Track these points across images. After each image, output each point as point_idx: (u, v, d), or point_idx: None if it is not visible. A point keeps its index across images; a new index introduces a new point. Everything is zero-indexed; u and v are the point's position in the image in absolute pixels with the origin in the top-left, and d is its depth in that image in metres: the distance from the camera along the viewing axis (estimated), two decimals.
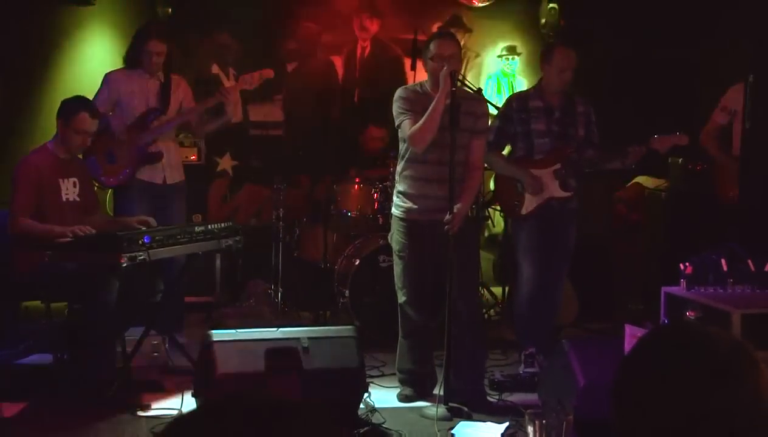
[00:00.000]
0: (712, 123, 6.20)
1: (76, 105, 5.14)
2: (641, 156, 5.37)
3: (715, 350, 1.52)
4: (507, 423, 4.46)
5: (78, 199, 5.26)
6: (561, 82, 5.43)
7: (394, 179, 5.49)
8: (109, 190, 6.02)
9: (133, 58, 5.93)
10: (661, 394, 1.50)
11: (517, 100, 5.57)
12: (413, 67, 6.52)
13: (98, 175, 5.77)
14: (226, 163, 8.04)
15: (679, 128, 5.40)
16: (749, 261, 4.23)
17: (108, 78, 5.93)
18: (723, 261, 4.20)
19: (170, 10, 7.41)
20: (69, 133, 5.11)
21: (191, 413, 1.34)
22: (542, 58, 5.54)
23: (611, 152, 5.45)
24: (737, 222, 5.61)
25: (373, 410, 4.70)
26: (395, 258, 5.07)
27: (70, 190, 5.21)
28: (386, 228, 5.96)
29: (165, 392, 5.05)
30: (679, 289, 4.26)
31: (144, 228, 5.04)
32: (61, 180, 5.16)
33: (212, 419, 1.29)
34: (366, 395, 4.67)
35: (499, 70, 8.37)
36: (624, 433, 1.54)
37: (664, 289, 4.35)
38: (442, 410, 4.63)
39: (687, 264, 4.21)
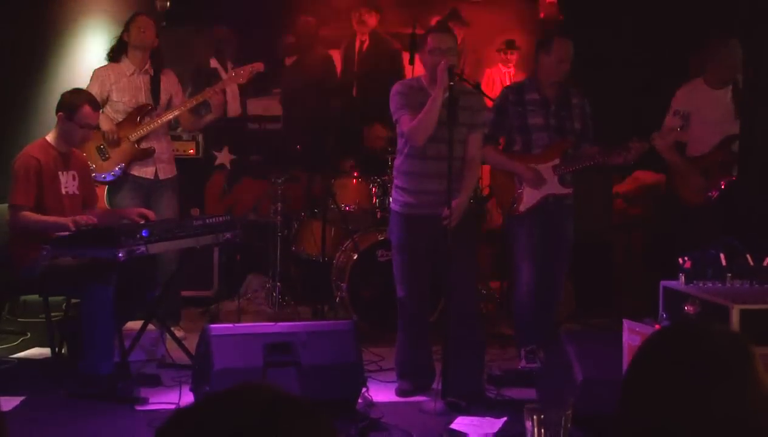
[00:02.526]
0: (665, 128, 5.84)
1: (78, 98, 5.13)
2: (643, 151, 5.33)
3: (716, 347, 1.54)
4: (505, 418, 4.46)
5: (77, 191, 5.25)
6: (559, 73, 5.37)
7: (392, 174, 5.48)
8: (106, 186, 6.01)
9: (118, 51, 5.93)
10: (666, 393, 1.52)
11: (512, 92, 5.50)
12: (412, 62, 6.51)
13: (91, 170, 5.75)
14: (224, 157, 8.04)
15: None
16: (748, 256, 4.23)
17: (97, 73, 5.93)
18: (722, 256, 4.20)
19: (169, 3, 7.40)
20: (71, 126, 5.10)
21: (191, 407, 1.34)
22: (539, 49, 5.45)
23: (613, 148, 5.38)
24: (717, 224, 5.56)
25: (371, 404, 4.70)
26: (394, 253, 5.07)
27: (69, 183, 5.21)
28: (384, 222, 5.96)
29: (163, 386, 5.05)
30: (678, 284, 4.26)
31: (143, 221, 5.05)
32: (60, 173, 5.15)
33: (213, 413, 1.29)
34: (364, 389, 4.67)
35: (497, 65, 8.36)
36: (632, 431, 1.55)
37: (663, 284, 4.35)
38: (440, 404, 4.63)
39: (686, 258, 4.21)
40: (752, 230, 5.09)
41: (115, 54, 5.95)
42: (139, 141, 5.89)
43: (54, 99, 5.23)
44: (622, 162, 5.42)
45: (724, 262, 4.20)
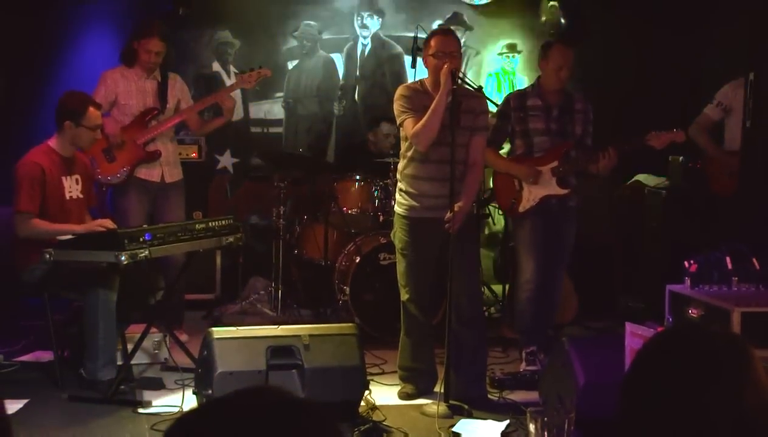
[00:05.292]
0: (704, 117, 6.21)
1: (80, 103, 5.12)
2: (612, 165, 5.35)
3: (714, 349, 1.55)
4: (507, 421, 4.47)
5: (81, 195, 5.25)
6: (558, 80, 5.44)
7: (394, 177, 5.48)
8: (110, 189, 6.02)
9: (129, 56, 5.93)
10: (664, 394, 1.52)
11: (515, 98, 5.58)
12: (414, 65, 6.51)
13: (97, 173, 5.76)
14: (226, 160, 8.04)
15: (676, 125, 5.40)
16: (754, 260, 4.24)
17: (105, 76, 5.92)
18: (727, 259, 4.20)
19: (181, 10, 7.39)
20: (81, 131, 5.10)
21: (198, 410, 1.34)
22: (540, 56, 5.57)
23: (591, 155, 5.41)
24: (735, 218, 5.62)
25: (373, 408, 4.70)
26: (398, 256, 5.07)
27: (73, 187, 5.21)
28: (386, 226, 5.96)
29: (165, 389, 5.05)
30: (684, 287, 4.26)
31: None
32: (64, 178, 5.16)
33: (220, 416, 1.29)
34: (366, 393, 4.67)
35: (500, 68, 8.37)
36: (632, 433, 1.56)
37: (669, 287, 4.35)
38: (442, 408, 4.63)
39: (691, 262, 4.21)
40: (763, 230, 5.11)
41: (129, 60, 5.93)
42: (145, 144, 5.90)
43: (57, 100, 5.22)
44: (596, 172, 5.44)
45: (729, 266, 4.20)
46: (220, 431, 1.27)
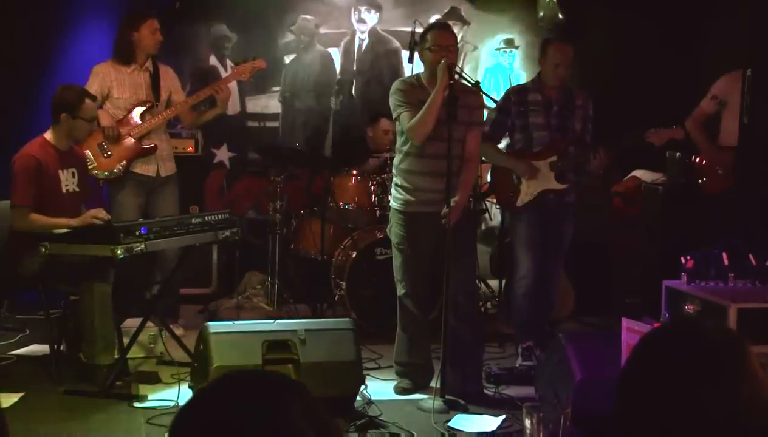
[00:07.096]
0: (699, 111, 6.14)
1: (76, 95, 5.12)
2: (604, 164, 5.36)
3: (709, 343, 1.55)
4: (503, 417, 4.47)
5: (77, 189, 5.25)
6: (556, 76, 5.44)
7: (391, 172, 5.48)
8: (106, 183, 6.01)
9: (127, 52, 5.89)
10: (659, 389, 1.52)
11: (515, 93, 5.58)
12: (411, 60, 6.50)
13: (92, 167, 5.74)
14: (223, 154, 8.03)
15: (675, 121, 5.40)
16: (750, 256, 4.24)
17: (97, 70, 5.90)
18: (724, 255, 4.20)
19: (178, 3, 7.38)
20: (78, 123, 5.10)
21: (190, 404, 1.34)
22: (539, 53, 5.58)
23: (590, 153, 5.43)
24: (733, 215, 5.62)
25: (369, 402, 4.70)
26: (394, 251, 5.07)
27: (69, 180, 5.20)
28: (383, 220, 5.96)
29: (161, 384, 5.05)
30: (680, 283, 4.26)
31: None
32: (60, 171, 5.15)
33: (212, 407, 1.29)
34: (363, 387, 4.67)
35: (497, 63, 8.36)
36: (627, 429, 1.56)
37: (665, 283, 4.36)
38: (438, 403, 4.63)
39: (688, 258, 4.22)
40: (760, 226, 5.11)
41: (126, 56, 5.90)
42: (140, 138, 5.88)
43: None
44: (590, 169, 5.46)
45: (726, 262, 4.21)
46: (215, 422, 1.27)
